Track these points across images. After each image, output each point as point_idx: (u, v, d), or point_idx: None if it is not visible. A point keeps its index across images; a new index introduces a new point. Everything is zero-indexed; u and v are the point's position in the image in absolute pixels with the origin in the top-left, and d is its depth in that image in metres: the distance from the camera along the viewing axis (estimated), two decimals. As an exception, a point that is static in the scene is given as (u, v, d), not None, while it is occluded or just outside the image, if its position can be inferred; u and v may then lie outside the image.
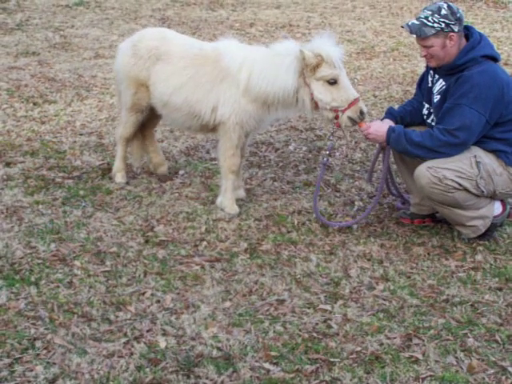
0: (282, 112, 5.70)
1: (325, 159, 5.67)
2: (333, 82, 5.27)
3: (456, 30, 5.10)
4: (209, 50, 5.81)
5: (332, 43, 5.31)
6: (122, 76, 6.00)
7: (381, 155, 5.68)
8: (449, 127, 5.08)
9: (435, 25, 5.08)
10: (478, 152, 5.20)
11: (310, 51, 5.25)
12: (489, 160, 5.22)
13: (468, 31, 5.26)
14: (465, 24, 5.24)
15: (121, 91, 6.14)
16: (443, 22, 5.07)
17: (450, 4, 5.15)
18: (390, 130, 5.29)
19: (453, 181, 5.12)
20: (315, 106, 5.37)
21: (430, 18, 5.10)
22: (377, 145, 5.77)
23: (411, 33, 5.19)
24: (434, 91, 5.37)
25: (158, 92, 5.81)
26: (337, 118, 5.34)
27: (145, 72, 5.85)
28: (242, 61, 5.54)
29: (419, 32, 5.13)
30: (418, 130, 5.34)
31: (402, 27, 5.32)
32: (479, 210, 5.30)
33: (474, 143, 5.20)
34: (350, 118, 5.31)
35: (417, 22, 5.15)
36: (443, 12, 5.08)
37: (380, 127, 5.37)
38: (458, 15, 5.11)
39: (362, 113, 5.30)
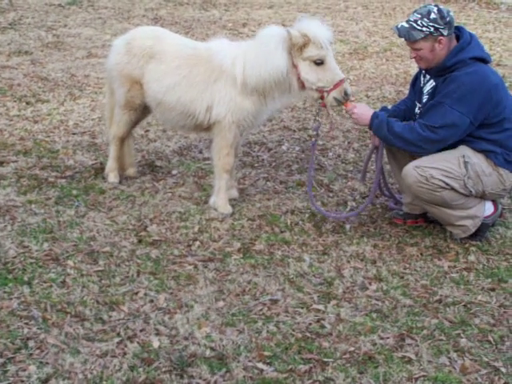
0: (279, 100, 5.68)
1: (313, 139, 5.71)
2: (319, 62, 5.29)
3: (445, 33, 5.09)
4: (202, 49, 5.81)
5: (320, 25, 5.33)
6: (115, 74, 5.98)
7: (374, 155, 5.69)
8: (429, 123, 5.09)
9: (424, 29, 5.08)
10: (466, 152, 5.21)
11: (296, 31, 5.28)
12: (477, 160, 5.22)
13: (459, 32, 5.26)
14: (456, 25, 5.25)
15: (113, 89, 6.14)
16: (432, 26, 5.07)
17: (440, 7, 5.14)
18: (374, 116, 5.31)
19: (440, 180, 5.13)
20: (302, 85, 5.40)
21: (419, 22, 5.09)
22: (370, 145, 5.78)
23: (400, 36, 5.20)
24: (424, 91, 5.39)
25: (151, 91, 5.81)
26: (322, 98, 5.38)
27: (138, 70, 5.84)
28: (234, 56, 5.55)
29: (408, 35, 5.13)
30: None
31: (392, 29, 5.34)
32: (468, 209, 5.30)
33: (464, 143, 5.21)
34: (336, 99, 5.34)
35: (406, 25, 5.15)
36: (432, 16, 5.07)
37: (365, 111, 5.38)
38: (448, 19, 5.10)
39: (346, 93, 5.33)
